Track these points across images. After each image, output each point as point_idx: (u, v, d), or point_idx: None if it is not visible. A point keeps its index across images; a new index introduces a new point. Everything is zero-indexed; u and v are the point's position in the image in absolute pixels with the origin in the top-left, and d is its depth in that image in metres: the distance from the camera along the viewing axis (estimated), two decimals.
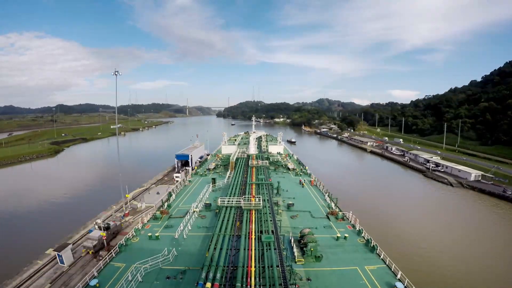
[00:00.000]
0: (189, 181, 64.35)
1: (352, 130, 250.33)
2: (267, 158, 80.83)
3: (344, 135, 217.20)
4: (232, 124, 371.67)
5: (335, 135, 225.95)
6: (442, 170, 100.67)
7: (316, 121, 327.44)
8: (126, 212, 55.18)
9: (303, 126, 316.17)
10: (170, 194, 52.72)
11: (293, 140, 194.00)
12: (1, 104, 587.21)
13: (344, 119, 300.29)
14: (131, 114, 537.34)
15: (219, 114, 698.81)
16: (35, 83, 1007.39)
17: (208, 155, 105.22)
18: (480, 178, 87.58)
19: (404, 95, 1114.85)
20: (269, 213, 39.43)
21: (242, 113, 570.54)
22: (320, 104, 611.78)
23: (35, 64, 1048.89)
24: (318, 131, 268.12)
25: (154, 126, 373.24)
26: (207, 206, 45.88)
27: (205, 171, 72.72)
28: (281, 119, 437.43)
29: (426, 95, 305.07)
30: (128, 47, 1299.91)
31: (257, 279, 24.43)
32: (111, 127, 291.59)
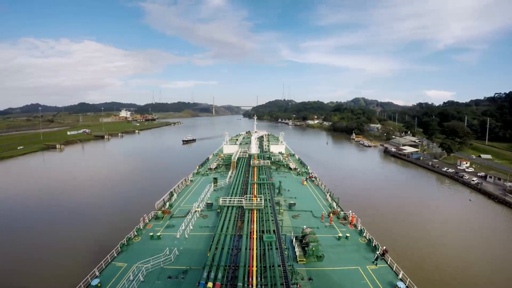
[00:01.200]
0: (191, 180, 64.40)
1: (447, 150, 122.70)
2: (269, 158, 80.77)
3: (464, 167, 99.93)
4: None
5: (443, 168, 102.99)
6: None
7: (373, 125, 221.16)
8: None
9: (353, 134, 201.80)
10: (171, 194, 52.76)
11: None
12: (41, 102, 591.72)
13: (427, 124, 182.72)
14: (149, 114, 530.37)
15: (246, 114, 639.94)
16: (71, 83, 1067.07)
17: None
18: None
19: (439, 96, 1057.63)
20: (271, 213, 39.39)
21: (270, 112, 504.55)
22: (356, 104, 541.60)
23: (72, 66, 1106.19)
24: (393, 149, 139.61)
25: (137, 131, 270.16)
26: (209, 206, 45.87)
27: (206, 171, 72.77)
28: (316, 121, 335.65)
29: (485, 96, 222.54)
30: (159, 49, 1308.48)
31: (259, 278, 24.39)
32: (68, 133, 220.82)
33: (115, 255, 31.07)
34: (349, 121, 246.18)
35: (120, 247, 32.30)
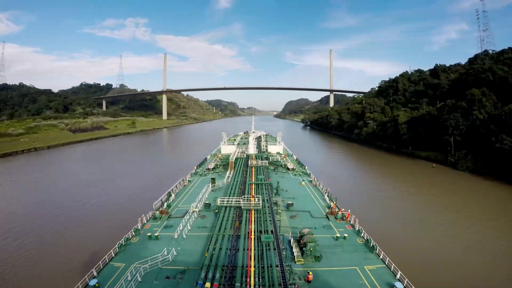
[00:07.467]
0: (189, 181, 64.33)
1: None
2: (267, 158, 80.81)
3: None
4: None
5: None
6: None
7: None
8: None
9: None
10: (169, 194, 52.68)
11: None
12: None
13: None
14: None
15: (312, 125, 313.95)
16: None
17: None
18: None
19: None
20: (269, 213, 39.49)
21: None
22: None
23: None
24: None
25: None
26: (207, 206, 45.84)
27: (204, 171, 72.76)
28: None
29: None
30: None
31: (257, 279, 24.51)
32: None
33: (113, 255, 31.01)
34: None
35: (118, 247, 32.24)
